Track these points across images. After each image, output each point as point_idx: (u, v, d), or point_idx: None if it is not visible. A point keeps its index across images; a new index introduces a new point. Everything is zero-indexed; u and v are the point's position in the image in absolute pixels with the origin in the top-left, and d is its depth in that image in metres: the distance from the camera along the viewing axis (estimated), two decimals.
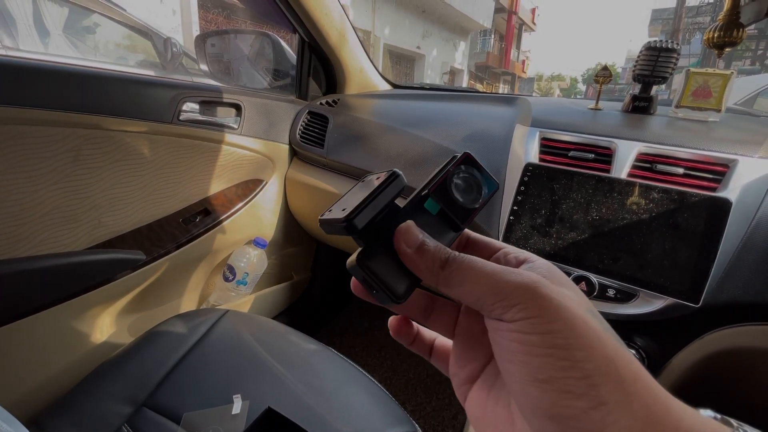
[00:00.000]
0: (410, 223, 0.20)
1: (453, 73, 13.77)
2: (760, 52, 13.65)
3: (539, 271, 0.18)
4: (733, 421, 0.31)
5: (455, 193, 0.21)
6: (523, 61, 22.37)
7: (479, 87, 17.01)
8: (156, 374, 0.57)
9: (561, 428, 0.15)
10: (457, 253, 0.19)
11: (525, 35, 21.78)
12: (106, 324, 0.72)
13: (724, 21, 0.50)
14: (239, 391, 0.54)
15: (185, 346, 0.62)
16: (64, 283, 0.62)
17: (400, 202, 0.20)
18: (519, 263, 0.20)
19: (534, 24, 21.33)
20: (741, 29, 0.49)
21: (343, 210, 0.19)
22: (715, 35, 0.51)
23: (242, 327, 0.66)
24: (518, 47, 20.91)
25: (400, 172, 0.20)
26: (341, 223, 0.18)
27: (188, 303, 0.89)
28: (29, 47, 2.41)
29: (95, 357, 0.69)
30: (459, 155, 0.22)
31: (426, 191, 0.21)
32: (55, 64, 0.61)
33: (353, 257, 0.19)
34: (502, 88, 21.40)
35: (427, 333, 0.24)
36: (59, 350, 0.65)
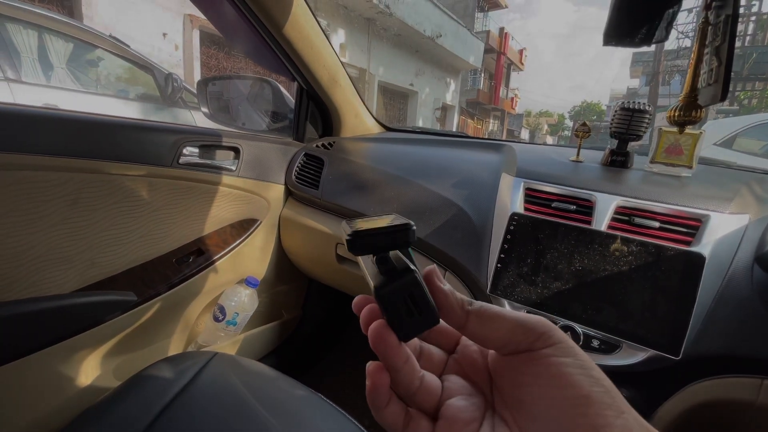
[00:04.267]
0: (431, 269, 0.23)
1: (445, 109, 14.24)
2: (738, 93, 14.42)
3: None
4: None
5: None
6: (512, 99, 23.25)
7: (470, 122, 17.53)
8: (140, 422, 0.56)
9: None
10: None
11: (513, 74, 22.78)
12: (92, 367, 0.71)
13: (684, 102, 0.55)
14: None
15: (171, 393, 0.60)
16: (52, 326, 0.62)
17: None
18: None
19: (522, 64, 22.36)
20: (699, 110, 0.54)
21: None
22: (676, 114, 0.56)
23: (230, 372, 0.66)
24: (507, 85, 21.80)
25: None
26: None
27: (177, 344, 0.88)
28: (32, 80, 2.47)
29: (79, 403, 0.67)
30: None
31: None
32: (59, 112, 0.64)
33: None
34: (492, 123, 22.09)
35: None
36: (42, 396, 0.64)
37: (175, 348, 0.87)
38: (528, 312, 0.59)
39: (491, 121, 22.00)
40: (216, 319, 0.90)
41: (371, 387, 0.21)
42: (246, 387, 0.63)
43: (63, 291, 0.66)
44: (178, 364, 0.66)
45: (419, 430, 0.21)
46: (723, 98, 0.47)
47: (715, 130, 3.48)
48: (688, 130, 0.63)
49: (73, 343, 0.65)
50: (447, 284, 0.22)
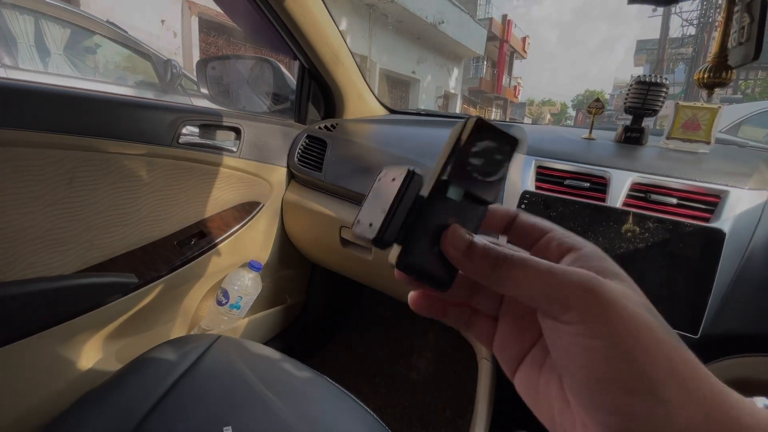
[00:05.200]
0: (455, 225, 0.19)
1: (447, 97, 14.09)
2: (740, 81, 14.22)
3: (590, 263, 0.18)
4: None
5: (475, 171, 0.19)
6: (515, 87, 23.01)
7: (472, 111, 17.38)
8: (143, 405, 0.55)
9: (623, 422, 0.15)
10: (507, 251, 0.18)
11: (516, 62, 22.49)
12: (93, 350, 0.70)
13: (713, 63, 0.52)
14: (230, 423, 0.52)
15: (174, 375, 0.59)
16: (51, 308, 0.61)
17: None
18: (563, 252, 0.19)
19: (525, 52, 22.07)
20: (729, 71, 0.51)
21: (371, 225, 0.19)
22: (705, 76, 0.54)
23: (234, 354, 0.65)
24: (510, 73, 21.55)
25: (417, 171, 0.19)
26: (373, 243, 0.18)
27: (180, 328, 0.87)
28: (29, 66, 2.43)
29: (80, 386, 0.66)
30: (468, 122, 0.19)
31: (445, 177, 0.19)
32: (55, 87, 0.62)
33: (393, 255, 0.19)
34: (495, 113, 21.91)
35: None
36: (42, 379, 0.63)
37: (177, 332, 0.86)
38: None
39: (494, 109, 21.81)
40: (219, 303, 0.89)
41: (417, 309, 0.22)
42: (251, 369, 0.61)
43: (62, 273, 0.64)
44: (181, 346, 0.65)
45: (482, 327, 0.23)
46: (756, 57, 0.44)
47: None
48: (707, 104, 0.60)
49: (73, 325, 0.64)
50: (468, 239, 0.19)
